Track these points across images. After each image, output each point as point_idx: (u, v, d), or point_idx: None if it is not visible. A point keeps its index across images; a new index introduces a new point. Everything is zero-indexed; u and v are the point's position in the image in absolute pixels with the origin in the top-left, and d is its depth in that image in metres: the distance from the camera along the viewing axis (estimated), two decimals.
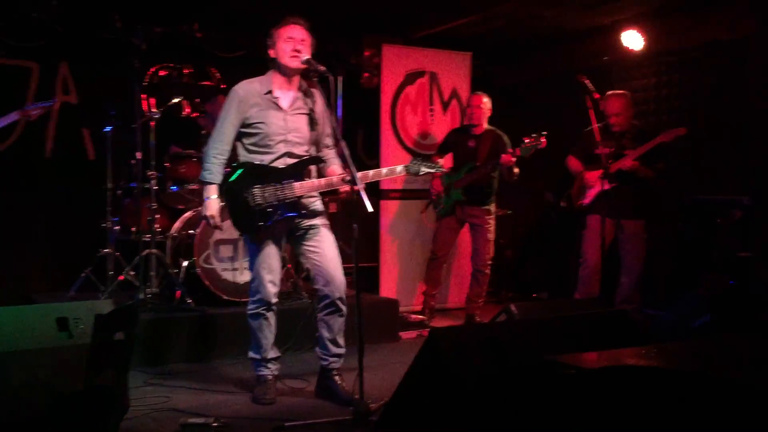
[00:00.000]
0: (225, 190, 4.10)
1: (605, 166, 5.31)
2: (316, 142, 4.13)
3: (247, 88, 4.03)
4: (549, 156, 5.92)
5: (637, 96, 6.60)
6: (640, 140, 5.46)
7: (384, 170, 3.97)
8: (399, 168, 3.93)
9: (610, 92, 5.67)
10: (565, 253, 6.90)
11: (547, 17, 6.54)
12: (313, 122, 4.04)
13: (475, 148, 6.06)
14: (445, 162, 6.37)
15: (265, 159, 4.00)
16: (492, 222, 6.19)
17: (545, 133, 5.60)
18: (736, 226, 5.35)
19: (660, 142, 5.31)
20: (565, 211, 6.01)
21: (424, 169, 3.93)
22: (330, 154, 4.20)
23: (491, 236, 6.18)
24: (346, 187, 3.86)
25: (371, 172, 3.94)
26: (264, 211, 3.92)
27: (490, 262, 6.21)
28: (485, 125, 6.15)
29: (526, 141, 5.61)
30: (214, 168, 4.02)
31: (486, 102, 6.15)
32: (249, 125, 4.00)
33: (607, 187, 5.38)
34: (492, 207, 6.20)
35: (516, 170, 5.89)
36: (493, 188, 6.16)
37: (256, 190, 3.92)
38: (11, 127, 5.70)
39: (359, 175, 3.84)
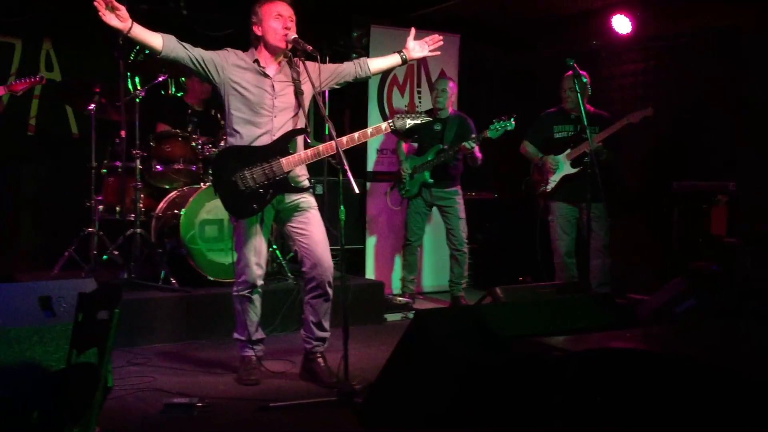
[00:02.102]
0: (214, 178, 4.07)
1: (570, 150, 5.34)
2: (300, 114, 4.07)
3: (233, 52, 4.01)
4: None
5: (626, 81, 6.60)
6: (598, 123, 5.48)
7: (369, 129, 4.00)
8: (384, 125, 3.99)
9: (568, 73, 5.65)
10: (546, 237, 6.92)
11: (536, 0, 6.52)
12: (298, 91, 4.00)
13: (441, 131, 6.06)
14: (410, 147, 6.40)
15: (256, 128, 3.93)
16: (461, 201, 6.22)
17: (514, 115, 5.62)
18: (721, 211, 5.38)
19: (626, 124, 5.32)
20: (528, 198, 6.03)
21: (409, 122, 3.99)
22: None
23: (462, 215, 6.21)
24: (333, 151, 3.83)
25: (357, 134, 3.94)
26: (256, 193, 3.88)
27: (466, 241, 6.22)
28: (451, 109, 6.18)
29: (495, 123, 5.63)
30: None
31: (452, 87, 6.20)
32: (236, 89, 3.93)
33: (570, 171, 5.41)
34: (458, 188, 6.22)
35: (479, 156, 5.94)
36: (458, 171, 6.19)
37: (246, 173, 3.88)
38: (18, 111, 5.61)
39: (345, 138, 3.84)
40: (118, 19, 3.68)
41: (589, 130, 5.42)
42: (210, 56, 3.93)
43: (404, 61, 4.22)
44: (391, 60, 4.22)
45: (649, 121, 5.35)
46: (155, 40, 3.81)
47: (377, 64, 4.23)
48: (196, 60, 3.90)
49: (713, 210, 5.45)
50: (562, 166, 5.56)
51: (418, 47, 4.19)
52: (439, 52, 4.27)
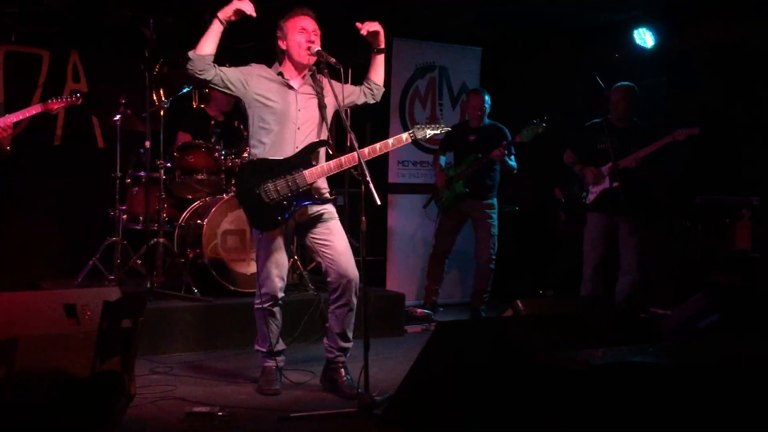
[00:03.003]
0: (237, 191, 4.11)
1: (614, 163, 5.27)
2: (323, 127, 4.10)
3: (257, 66, 4.07)
4: (558, 152, 5.91)
5: (647, 94, 6.57)
6: (642, 137, 5.43)
7: (390, 140, 4.01)
8: (405, 135, 4.01)
9: (617, 84, 5.64)
10: (572, 250, 6.89)
11: (558, 13, 6.52)
12: (321, 104, 4.03)
13: (476, 141, 6.07)
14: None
15: (280, 139, 3.96)
16: (495, 216, 6.20)
17: (546, 117, 5.62)
18: (745, 226, 5.33)
19: (671, 141, 5.26)
20: (570, 207, 6.00)
21: (429, 132, 4.01)
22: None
23: (495, 231, 6.18)
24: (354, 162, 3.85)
25: (378, 145, 3.97)
26: (280, 205, 3.91)
27: (494, 257, 6.20)
28: (485, 120, 6.20)
29: (527, 126, 5.65)
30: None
31: (486, 100, 6.21)
32: (260, 101, 3.98)
33: (611, 185, 5.35)
34: (495, 201, 6.20)
35: (511, 164, 5.96)
36: (495, 182, 6.18)
37: (269, 185, 3.90)
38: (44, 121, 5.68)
39: (367, 150, 3.86)
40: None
41: (634, 143, 5.42)
42: (235, 75, 3.99)
43: (383, 51, 4.17)
44: (377, 59, 4.19)
45: (694, 139, 5.27)
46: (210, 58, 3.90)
47: (375, 74, 4.21)
48: (230, 79, 3.96)
49: (737, 225, 5.40)
50: (603, 178, 5.52)
51: (369, 36, 4.11)
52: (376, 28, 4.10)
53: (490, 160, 5.95)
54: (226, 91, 4.00)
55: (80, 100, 5.17)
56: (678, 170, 5.98)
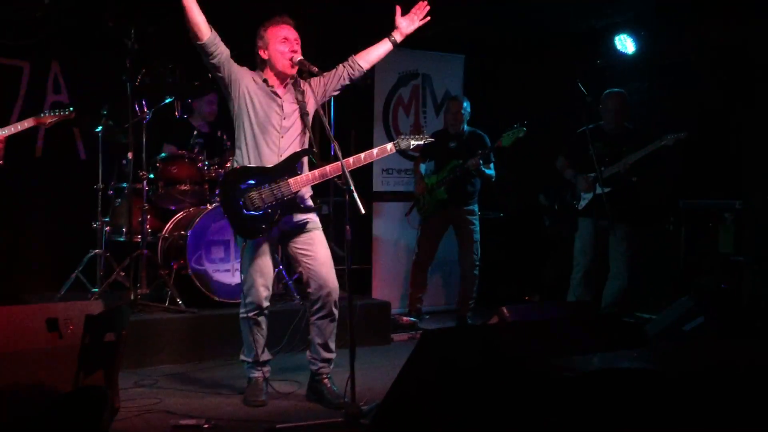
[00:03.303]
0: (221, 199, 4.09)
1: (600, 169, 5.29)
2: (306, 135, 4.09)
3: (246, 68, 4.04)
4: (542, 158, 5.93)
5: (630, 100, 6.61)
6: (634, 143, 5.45)
7: (375, 150, 4.00)
8: (389, 146, 4.01)
9: (608, 91, 5.67)
10: (557, 256, 6.91)
11: (540, 20, 6.55)
12: (304, 112, 4.03)
13: (456, 148, 6.08)
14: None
15: (264, 147, 3.95)
16: (477, 222, 6.22)
17: (526, 122, 5.64)
18: (728, 229, 5.37)
19: (661, 146, 5.29)
20: (560, 214, 6.01)
21: (413, 142, 4.02)
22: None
23: (477, 236, 6.20)
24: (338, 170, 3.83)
25: (362, 155, 3.96)
26: (264, 213, 3.89)
27: (478, 264, 6.21)
28: (465, 127, 6.20)
29: (507, 132, 5.67)
30: None
31: (465, 107, 6.22)
32: (248, 104, 3.96)
33: (603, 191, 5.36)
34: (476, 207, 6.22)
35: (488, 172, 6.00)
36: (476, 188, 6.20)
37: (254, 194, 3.89)
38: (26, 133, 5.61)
39: (352, 159, 3.86)
40: None
41: (625, 149, 5.44)
42: (235, 66, 3.98)
43: (395, 44, 4.17)
44: (382, 47, 4.19)
45: (682, 143, 5.30)
46: (204, 24, 3.82)
47: (368, 57, 4.18)
48: (228, 62, 3.94)
49: (720, 228, 5.44)
50: (595, 185, 5.49)
51: (406, 22, 4.15)
52: (428, 17, 4.19)
53: (469, 165, 5.95)
54: (225, 75, 3.95)
55: (73, 114, 5.15)
56: (676, 174, 6.02)
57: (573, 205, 5.68)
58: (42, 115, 4.96)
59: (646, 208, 5.74)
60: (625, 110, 5.58)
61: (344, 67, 4.15)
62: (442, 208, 6.18)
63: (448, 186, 6.08)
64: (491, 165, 6.09)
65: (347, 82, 4.17)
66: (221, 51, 3.91)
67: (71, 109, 5.17)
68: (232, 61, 3.97)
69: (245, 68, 4.04)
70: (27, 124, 4.76)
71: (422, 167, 6.41)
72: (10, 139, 5.82)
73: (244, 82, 3.97)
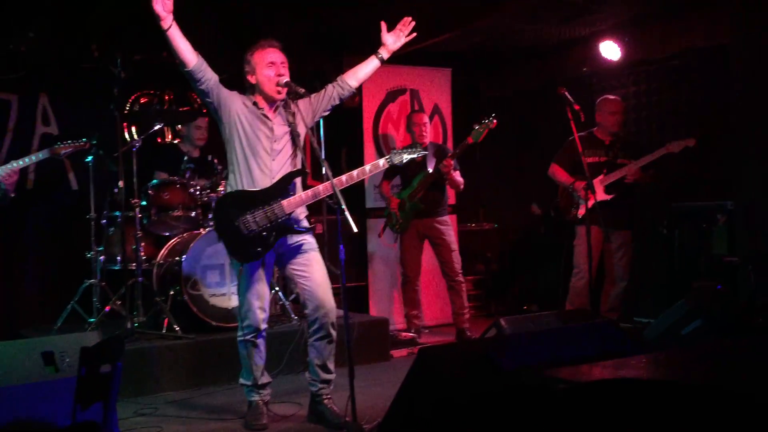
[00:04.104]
0: (216, 224, 4.10)
1: (603, 175, 5.30)
2: (297, 156, 4.10)
3: (236, 93, 4.05)
4: (533, 168, 5.94)
5: None
6: (630, 150, 5.48)
7: (367, 167, 3.99)
8: (381, 161, 3.98)
9: (603, 96, 5.70)
10: (554, 265, 6.91)
11: (526, 30, 6.59)
12: (294, 133, 4.04)
13: (422, 161, 6.05)
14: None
15: (256, 170, 3.95)
16: (451, 232, 6.24)
17: (494, 114, 5.63)
18: (721, 231, 5.38)
19: (666, 153, 5.30)
20: (554, 222, 6.01)
21: (406, 156, 3.98)
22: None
23: (454, 246, 6.21)
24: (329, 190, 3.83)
25: (355, 172, 3.94)
26: (259, 236, 3.89)
27: (460, 271, 6.21)
28: (428, 140, 6.23)
29: (476, 126, 5.66)
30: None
31: (427, 120, 6.28)
32: (239, 128, 3.96)
33: (604, 197, 5.37)
34: (448, 218, 6.25)
35: (459, 179, 5.98)
36: (446, 199, 6.23)
37: (248, 217, 3.89)
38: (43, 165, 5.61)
39: (344, 177, 3.86)
40: (162, 7, 3.64)
41: (621, 155, 5.45)
42: (224, 90, 3.99)
43: (382, 61, 4.18)
44: (370, 65, 4.20)
45: (690, 150, 5.31)
46: (189, 52, 3.82)
47: (356, 75, 4.19)
48: (216, 87, 3.94)
49: (713, 229, 5.44)
50: (594, 192, 5.49)
51: (392, 39, 4.15)
52: (415, 33, 4.20)
53: (440, 172, 5.93)
54: (214, 100, 3.95)
55: (87, 145, 5.14)
56: (681, 178, 6.04)
57: (570, 212, 5.66)
58: (56, 146, 4.97)
59: (644, 212, 5.76)
60: (622, 116, 5.61)
61: (333, 87, 4.16)
62: (416, 220, 6.16)
63: (422, 197, 6.08)
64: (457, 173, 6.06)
65: (337, 101, 4.18)
66: (209, 77, 3.92)
67: (84, 140, 5.18)
68: (221, 86, 3.98)
69: (235, 92, 4.05)
70: (42, 155, 4.77)
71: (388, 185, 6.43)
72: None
73: (234, 106, 3.98)
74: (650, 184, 5.52)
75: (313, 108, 4.12)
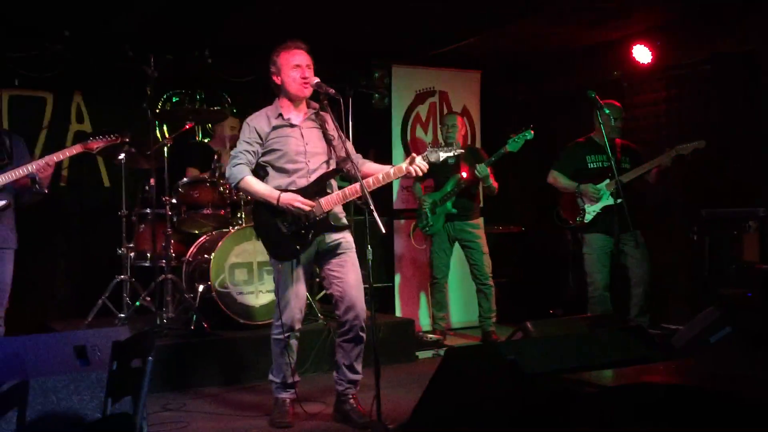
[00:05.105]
0: (255, 223, 4.13)
1: (618, 180, 5.25)
2: (332, 157, 4.13)
3: (258, 121, 4.05)
4: None
5: (648, 110, 6.59)
6: (631, 154, 5.46)
7: (404, 164, 3.89)
8: (418, 158, 3.87)
9: (604, 101, 5.64)
10: (580, 269, 6.88)
11: (556, 34, 6.56)
12: (326, 137, 4.06)
13: (455, 164, 6.04)
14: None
15: (290, 175, 4.00)
16: (483, 235, 6.22)
17: (532, 125, 5.60)
18: (752, 237, 5.31)
19: (675, 156, 5.26)
20: (564, 228, 5.97)
21: (443, 155, 3.90)
22: (359, 160, 4.09)
23: (485, 249, 6.20)
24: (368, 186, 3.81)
25: (392, 170, 3.88)
26: (298, 234, 3.93)
27: (491, 275, 6.20)
28: (462, 143, 6.24)
29: (513, 135, 5.63)
30: (248, 175, 3.98)
31: (461, 121, 6.30)
32: (269, 150, 4.02)
33: (611, 202, 5.33)
34: (480, 221, 6.23)
35: (494, 183, 5.95)
36: (477, 202, 6.25)
37: (287, 216, 3.93)
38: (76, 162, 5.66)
39: (381, 175, 3.84)
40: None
41: (622, 161, 5.41)
42: (257, 145, 4.03)
43: (397, 173, 3.91)
44: (385, 170, 3.93)
45: (700, 153, 5.26)
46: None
47: (369, 169, 4.04)
48: (261, 147, 4.04)
49: (744, 236, 5.37)
50: (606, 196, 5.44)
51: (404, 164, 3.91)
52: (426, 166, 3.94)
53: (476, 178, 5.93)
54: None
55: (119, 139, 5.21)
56: (673, 183, 6.00)
57: (575, 219, 5.60)
58: (89, 140, 5.05)
59: (654, 209, 5.72)
60: (622, 122, 5.57)
61: (349, 157, 3.94)
62: (447, 223, 6.17)
63: (455, 200, 6.08)
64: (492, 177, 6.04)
65: (339, 167, 4.14)
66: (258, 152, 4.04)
67: (117, 134, 5.23)
68: (259, 142, 4.02)
69: (257, 120, 4.05)
70: (75, 150, 4.85)
71: (417, 186, 6.44)
72: None
73: (263, 133, 4.02)
74: (659, 187, 5.48)
75: (336, 134, 4.07)
